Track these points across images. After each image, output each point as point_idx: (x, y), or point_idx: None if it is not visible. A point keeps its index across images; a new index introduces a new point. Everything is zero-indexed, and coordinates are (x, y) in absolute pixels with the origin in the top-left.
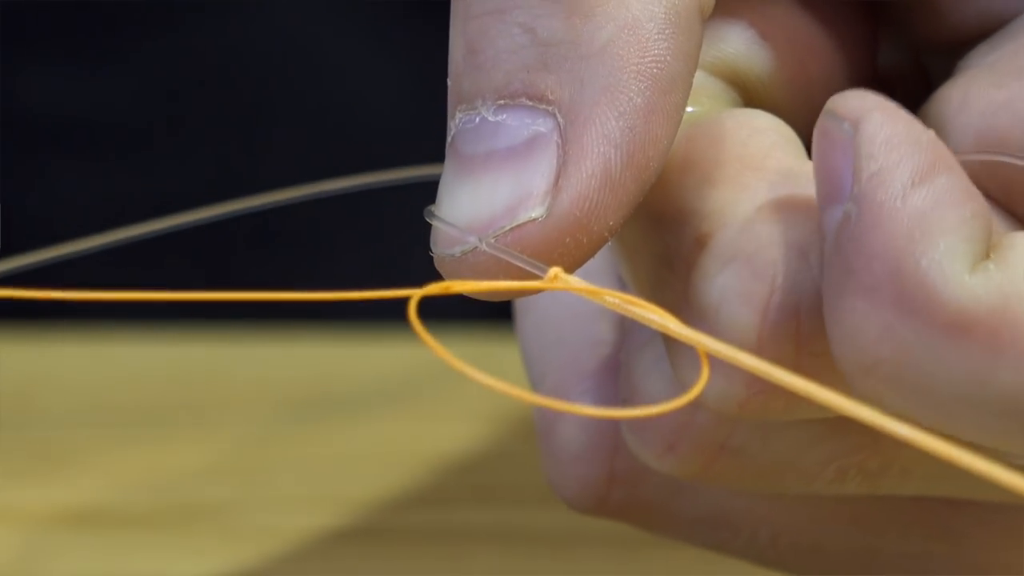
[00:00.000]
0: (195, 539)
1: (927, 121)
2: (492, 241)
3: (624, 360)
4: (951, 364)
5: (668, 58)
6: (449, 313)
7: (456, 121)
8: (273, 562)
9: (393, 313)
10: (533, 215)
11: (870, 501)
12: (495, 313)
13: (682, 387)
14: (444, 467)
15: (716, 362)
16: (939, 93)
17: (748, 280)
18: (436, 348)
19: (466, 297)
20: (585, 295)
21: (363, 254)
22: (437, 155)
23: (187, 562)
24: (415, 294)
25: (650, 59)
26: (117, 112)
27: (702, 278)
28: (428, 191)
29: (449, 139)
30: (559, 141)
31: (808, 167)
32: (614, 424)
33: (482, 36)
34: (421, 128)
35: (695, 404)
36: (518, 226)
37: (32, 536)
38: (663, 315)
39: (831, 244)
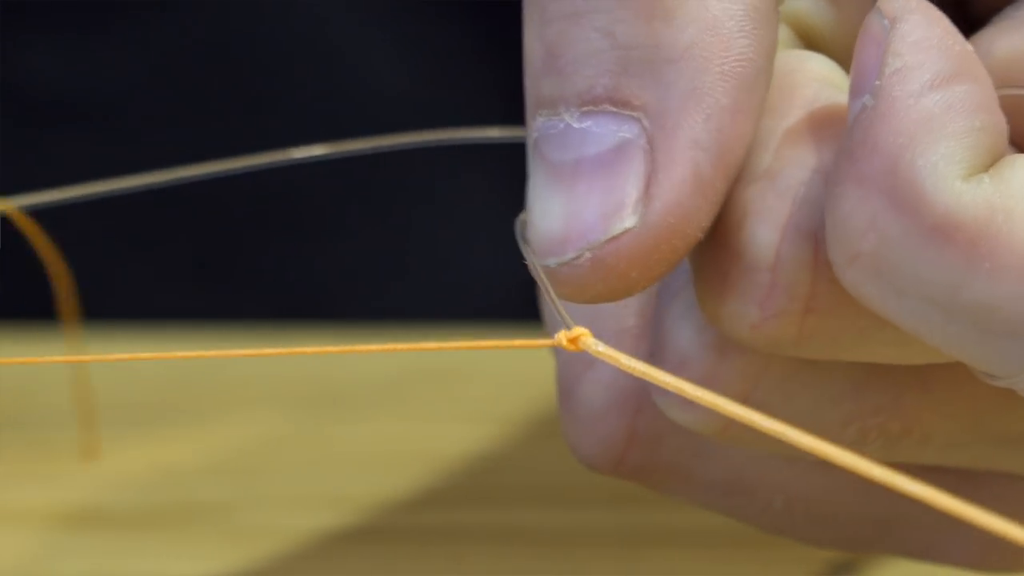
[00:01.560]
0: (195, 539)
1: None
2: (589, 256)
3: (656, 311)
4: (928, 265)
5: (750, 55)
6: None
7: (537, 123)
8: (273, 562)
9: (393, 313)
10: (627, 225)
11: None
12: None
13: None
14: (444, 467)
15: (729, 282)
16: (970, 40)
17: (770, 198)
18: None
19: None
20: (605, 358)
21: (366, 236)
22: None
23: (187, 562)
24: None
25: (733, 59)
26: (118, 89)
27: (731, 195)
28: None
29: (531, 140)
30: (647, 147)
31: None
32: (637, 384)
33: (560, 40)
34: (428, 112)
35: (720, 355)
36: (614, 238)
37: (32, 536)
38: (692, 385)
39: (845, 133)
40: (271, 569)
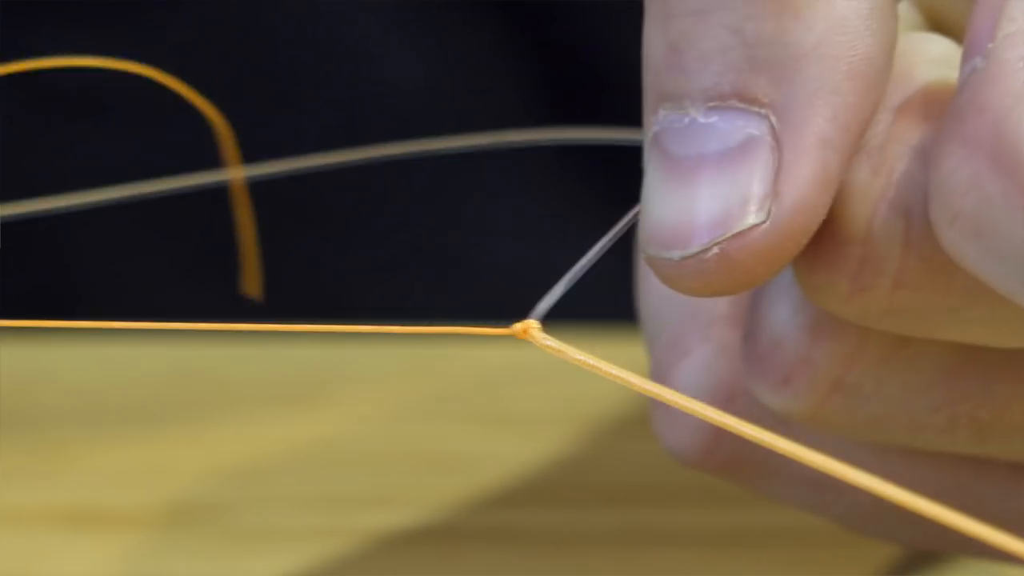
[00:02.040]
0: (195, 539)
1: None
2: (716, 251)
3: (751, 294)
4: None
5: (875, 52)
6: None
7: (659, 117)
8: (273, 562)
9: (393, 314)
10: (752, 220)
11: (973, 467)
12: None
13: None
14: (444, 467)
15: (822, 254)
16: None
17: (867, 173)
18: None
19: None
20: (552, 352)
21: (383, 235)
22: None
23: (187, 562)
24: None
25: (860, 57)
26: (135, 83)
27: None
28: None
29: (650, 135)
30: (773, 144)
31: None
32: (731, 373)
33: (685, 36)
34: (448, 108)
35: (814, 337)
36: (741, 233)
37: (32, 536)
38: (640, 377)
39: (955, 94)
40: (271, 569)
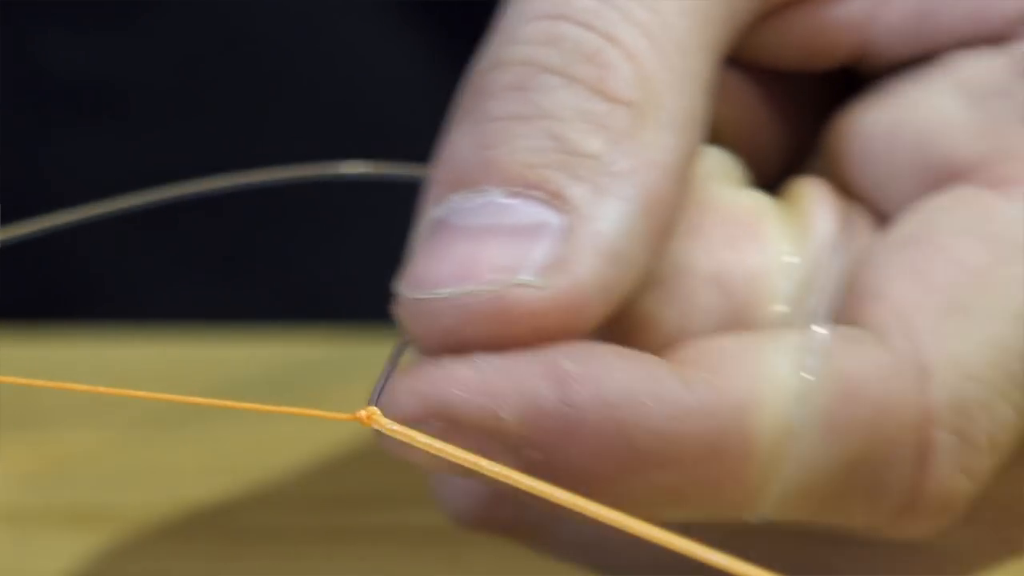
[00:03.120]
0: (195, 539)
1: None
2: (491, 294)
3: None
4: None
5: (682, 189)
6: None
7: (449, 201)
8: (273, 562)
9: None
10: (530, 280)
11: (759, 535)
12: None
13: None
14: None
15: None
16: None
17: (658, 303)
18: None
19: None
20: (398, 437)
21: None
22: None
23: (187, 562)
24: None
25: (668, 190)
26: (139, 81)
27: None
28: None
29: (430, 219)
30: (564, 237)
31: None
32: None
33: (500, 135)
34: (435, 113)
35: None
36: (518, 285)
37: (31, 536)
38: (475, 458)
39: None
40: (271, 569)
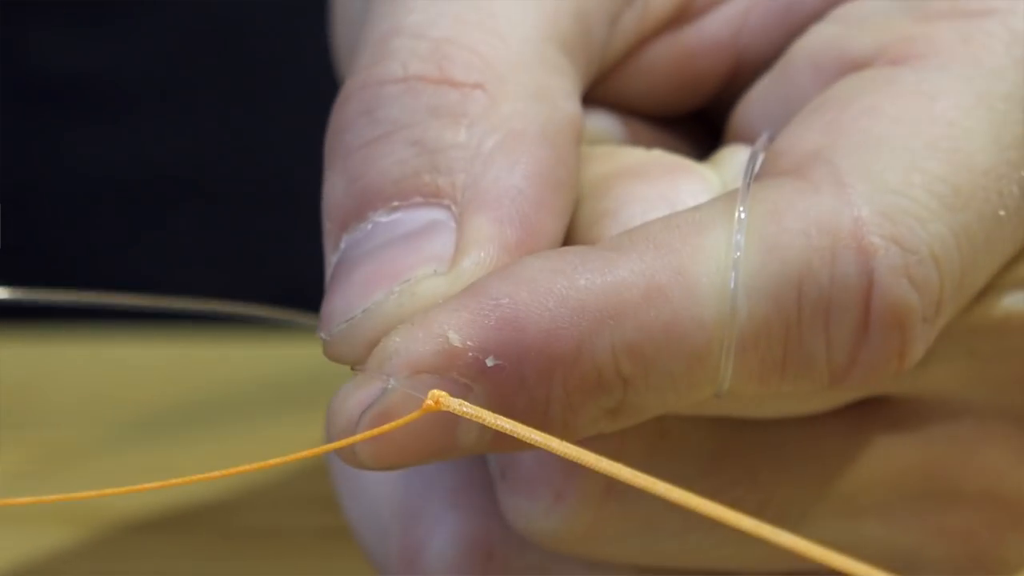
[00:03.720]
0: (195, 539)
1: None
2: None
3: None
4: None
5: (550, 160)
6: None
7: (342, 241)
8: (273, 562)
9: None
10: (437, 269)
11: None
12: None
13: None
14: None
15: None
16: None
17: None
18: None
19: None
20: (471, 418)
21: None
22: None
23: (187, 562)
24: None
25: (544, 157)
26: (126, 73)
27: None
28: None
29: (334, 261)
30: (455, 227)
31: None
32: (487, 530)
33: (365, 162)
34: None
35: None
36: (425, 278)
37: (32, 536)
38: (545, 437)
39: None
40: (271, 569)
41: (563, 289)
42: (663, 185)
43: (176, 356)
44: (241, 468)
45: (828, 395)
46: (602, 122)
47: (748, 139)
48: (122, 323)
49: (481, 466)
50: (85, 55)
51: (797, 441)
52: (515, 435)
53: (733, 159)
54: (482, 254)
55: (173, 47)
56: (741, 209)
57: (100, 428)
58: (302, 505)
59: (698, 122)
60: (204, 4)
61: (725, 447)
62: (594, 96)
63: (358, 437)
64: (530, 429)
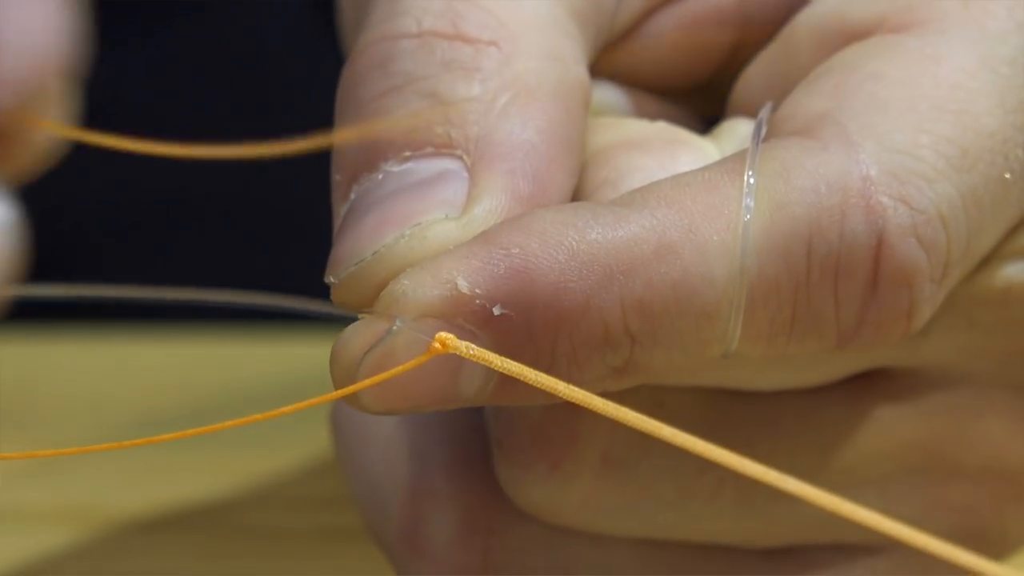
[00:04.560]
0: (195, 539)
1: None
2: (411, 234)
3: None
4: None
5: (562, 119)
6: None
7: (353, 190)
8: (273, 562)
9: None
10: (448, 215)
11: (728, 558)
12: None
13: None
14: None
15: None
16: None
17: None
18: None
19: None
20: (476, 360)
21: None
22: None
23: (187, 562)
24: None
25: (556, 113)
26: (126, 96)
27: None
28: None
29: (343, 210)
30: (467, 176)
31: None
32: (487, 504)
33: (378, 114)
34: None
35: (574, 414)
36: (436, 223)
37: (32, 536)
38: (552, 380)
39: None
40: (271, 569)
41: (574, 242)
42: (663, 157)
43: (177, 356)
44: (244, 420)
45: (830, 365)
46: (607, 94)
47: (749, 112)
48: (122, 323)
49: (481, 441)
50: (98, 79)
51: (795, 413)
52: (521, 378)
53: (734, 132)
54: (495, 202)
55: (186, 73)
56: (750, 173)
57: (100, 428)
58: (302, 505)
59: (703, 96)
60: (217, 28)
61: (722, 419)
62: (600, 67)
63: (368, 382)
64: (537, 372)
